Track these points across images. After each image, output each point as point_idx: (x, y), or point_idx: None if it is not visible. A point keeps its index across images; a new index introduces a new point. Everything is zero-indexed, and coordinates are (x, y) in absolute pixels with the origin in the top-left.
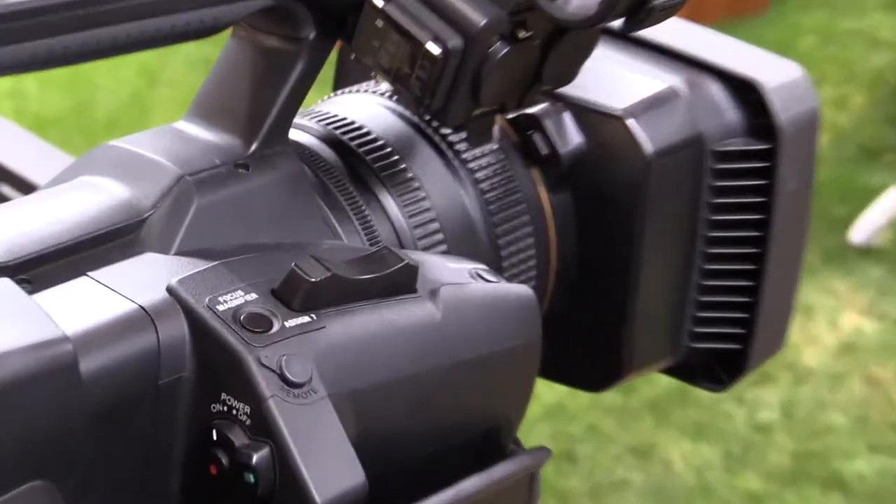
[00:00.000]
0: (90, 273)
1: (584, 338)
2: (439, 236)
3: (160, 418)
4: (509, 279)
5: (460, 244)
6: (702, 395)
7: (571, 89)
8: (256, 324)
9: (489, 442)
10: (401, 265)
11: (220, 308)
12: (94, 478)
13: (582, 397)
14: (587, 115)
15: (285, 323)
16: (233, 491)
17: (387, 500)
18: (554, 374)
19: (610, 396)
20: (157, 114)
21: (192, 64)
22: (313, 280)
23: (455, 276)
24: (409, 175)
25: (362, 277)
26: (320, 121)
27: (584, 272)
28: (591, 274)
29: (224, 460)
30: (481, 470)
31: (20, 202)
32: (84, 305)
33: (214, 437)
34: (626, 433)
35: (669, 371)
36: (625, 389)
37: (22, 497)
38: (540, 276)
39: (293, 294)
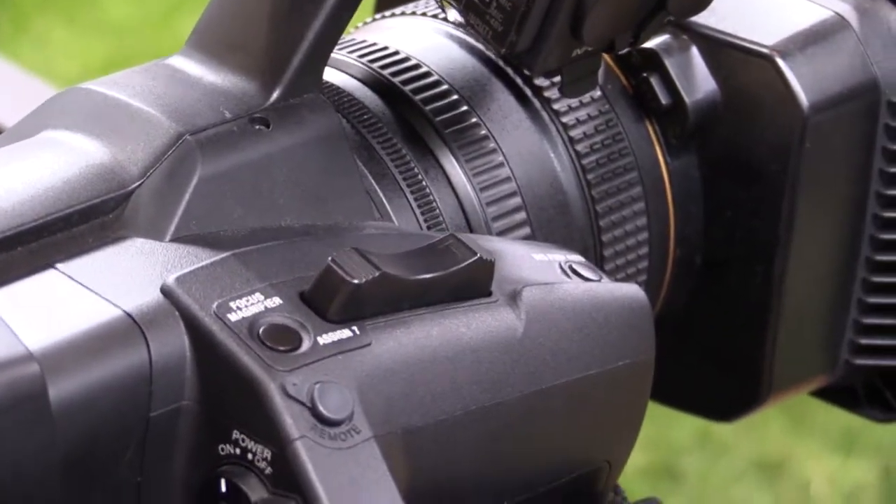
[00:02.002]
0: (58, 265)
1: (711, 350)
2: (521, 215)
3: (150, 463)
4: (613, 273)
5: (549, 227)
6: None
7: (702, 18)
8: (281, 340)
9: (582, 493)
10: (472, 260)
11: (233, 317)
12: None
13: None
14: (723, 52)
15: (318, 339)
16: None
17: None
18: (669, 397)
19: None
20: None
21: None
22: (356, 282)
23: (542, 272)
24: (482, 132)
25: (420, 277)
26: (361, 55)
27: (712, 262)
28: (721, 265)
29: None
30: None
31: None
32: (52, 311)
33: (223, 489)
34: (749, 443)
35: (823, 394)
36: None
37: None
38: (653, 268)
39: (329, 300)
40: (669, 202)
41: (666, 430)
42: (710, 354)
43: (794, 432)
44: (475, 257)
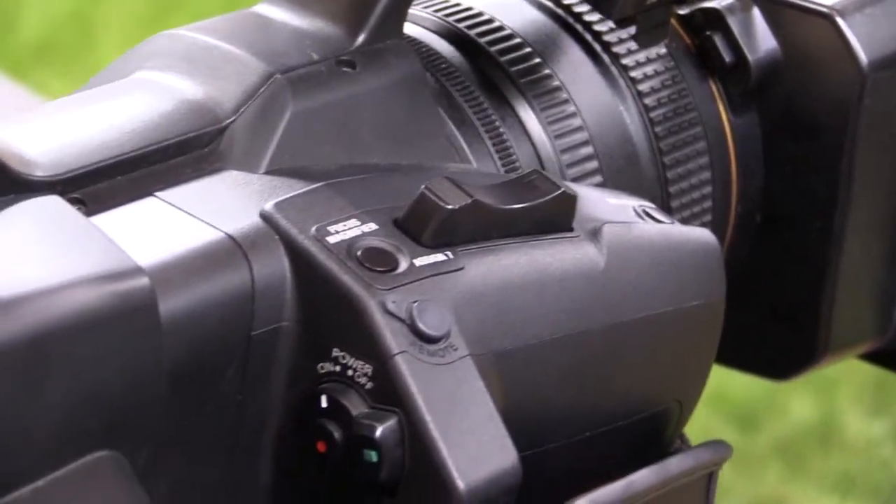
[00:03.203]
0: (158, 193)
1: (769, 307)
2: (593, 164)
3: (251, 380)
4: (680, 223)
5: (619, 176)
6: (849, 434)
7: None
8: (378, 261)
9: (656, 430)
10: (556, 194)
11: (331, 240)
12: (168, 453)
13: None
14: (783, 12)
15: (414, 261)
16: (347, 474)
17: (534, 492)
18: (726, 356)
19: (725, 432)
20: (103, 35)
21: None
22: (450, 207)
23: (618, 213)
24: (555, 83)
25: (510, 207)
26: (437, 9)
27: (772, 219)
28: (780, 222)
29: (336, 434)
30: (647, 464)
31: (61, 104)
32: (156, 233)
33: (323, 405)
34: (748, 483)
35: (874, 356)
36: (745, 424)
37: (85, 471)
38: (717, 222)
39: (424, 225)
40: (732, 158)
41: None
42: (768, 311)
43: (792, 475)
44: (559, 191)
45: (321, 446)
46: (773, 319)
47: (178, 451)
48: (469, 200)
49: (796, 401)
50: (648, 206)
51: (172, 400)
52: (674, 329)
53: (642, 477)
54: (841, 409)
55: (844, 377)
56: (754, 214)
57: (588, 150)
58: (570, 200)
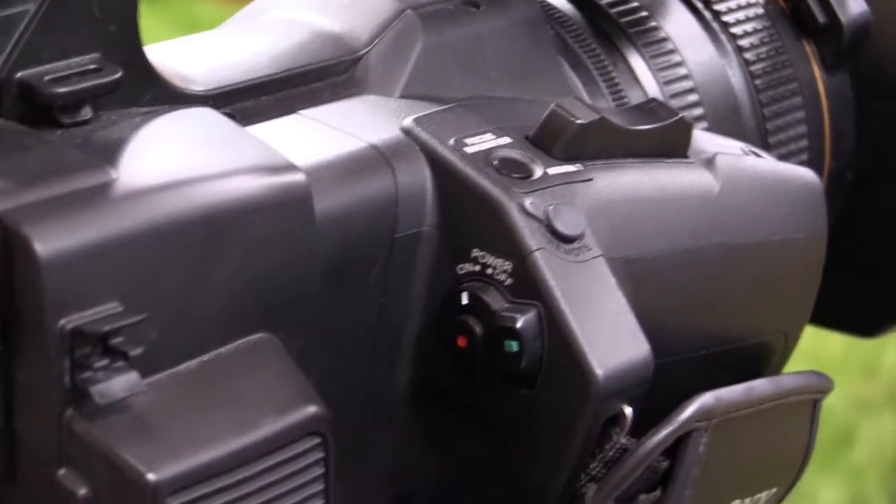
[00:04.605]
0: (301, 111)
1: (859, 266)
2: (699, 111)
3: (393, 283)
4: None
5: (723, 124)
6: None
7: None
8: (514, 169)
9: (762, 360)
10: (675, 119)
11: (469, 150)
12: (317, 347)
13: None
14: None
15: (548, 170)
16: (488, 365)
17: (650, 406)
18: (816, 313)
19: None
20: None
21: None
22: (581, 122)
23: (728, 149)
24: (662, 35)
25: (634, 128)
26: None
27: (863, 177)
28: (871, 180)
29: (477, 329)
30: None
31: (207, 35)
32: (304, 141)
33: (464, 302)
34: None
35: None
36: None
37: (249, 348)
38: None
39: (555, 139)
40: (825, 116)
41: None
42: (858, 270)
43: None
44: (678, 116)
45: (462, 341)
46: (863, 278)
47: (326, 346)
48: (597, 117)
49: (824, 489)
50: (754, 148)
51: (323, 294)
52: (781, 259)
53: (760, 385)
54: (868, 497)
55: (871, 464)
56: (846, 174)
57: (694, 97)
58: (687, 127)
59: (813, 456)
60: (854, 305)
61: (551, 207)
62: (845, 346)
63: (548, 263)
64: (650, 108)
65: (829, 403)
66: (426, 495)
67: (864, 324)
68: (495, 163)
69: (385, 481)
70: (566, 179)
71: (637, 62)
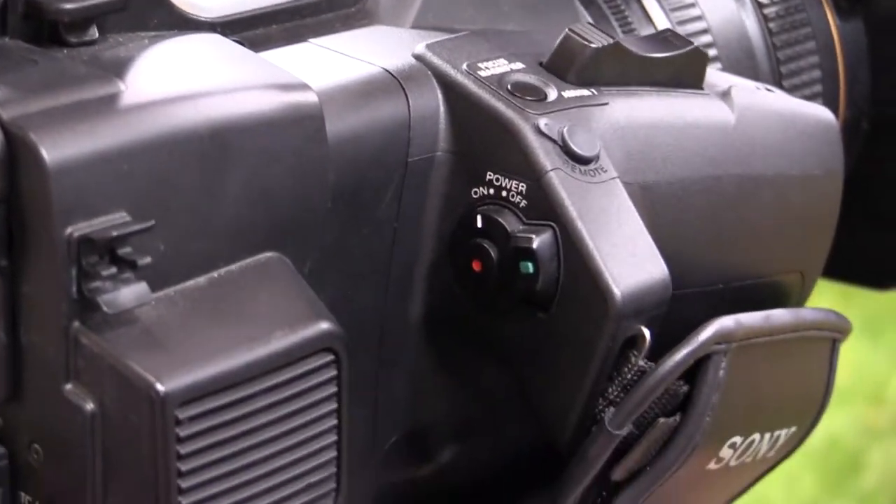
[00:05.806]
0: (312, 40)
1: (874, 215)
2: (713, 52)
3: (406, 209)
4: None
5: (738, 65)
6: None
7: None
8: (528, 92)
9: (779, 298)
10: (690, 48)
11: (482, 74)
12: (328, 269)
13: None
14: None
15: (562, 93)
16: (504, 289)
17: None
18: (830, 266)
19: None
20: None
21: None
22: (595, 46)
23: (744, 84)
24: None
25: (649, 55)
26: None
27: (877, 127)
28: (885, 130)
29: (492, 252)
30: None
31: None
32: (315, 66)
33: (479, 225)
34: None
35: None
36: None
37: (258, 266)
38: None
39: (569, 63)
40: (839, 62)
41: None
42: (873, 219)
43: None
44: (692, 46)
45: (476, 265)
46: (878, 228)
47: (337, 268)
48: (612, 41)
49: None
50: (770, 86)
51: (335, 214)
52: (797, 194)
53: (780, 314)
54: None
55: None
56: (861, 122)
57: (707, 38)
58: (702, 57)
59: (823, 482)
60: (868, 257)
61: (566, 128)
62: (853, 373)
63: (563, 184)
64: (665, 37)
65: (838, 430)
66: (440, 432)
67: (877, 276)
68: (509, 86)
69: (398, 415)
70: (581, 103)
71: (650, 4)
